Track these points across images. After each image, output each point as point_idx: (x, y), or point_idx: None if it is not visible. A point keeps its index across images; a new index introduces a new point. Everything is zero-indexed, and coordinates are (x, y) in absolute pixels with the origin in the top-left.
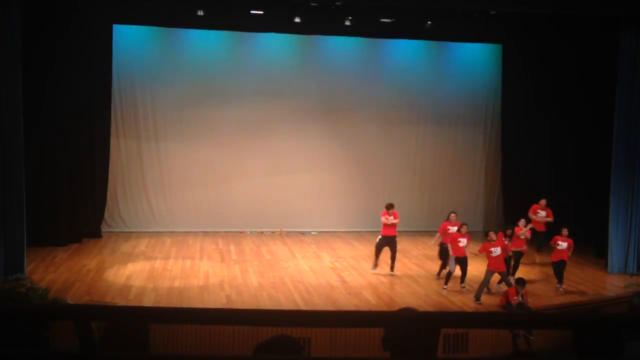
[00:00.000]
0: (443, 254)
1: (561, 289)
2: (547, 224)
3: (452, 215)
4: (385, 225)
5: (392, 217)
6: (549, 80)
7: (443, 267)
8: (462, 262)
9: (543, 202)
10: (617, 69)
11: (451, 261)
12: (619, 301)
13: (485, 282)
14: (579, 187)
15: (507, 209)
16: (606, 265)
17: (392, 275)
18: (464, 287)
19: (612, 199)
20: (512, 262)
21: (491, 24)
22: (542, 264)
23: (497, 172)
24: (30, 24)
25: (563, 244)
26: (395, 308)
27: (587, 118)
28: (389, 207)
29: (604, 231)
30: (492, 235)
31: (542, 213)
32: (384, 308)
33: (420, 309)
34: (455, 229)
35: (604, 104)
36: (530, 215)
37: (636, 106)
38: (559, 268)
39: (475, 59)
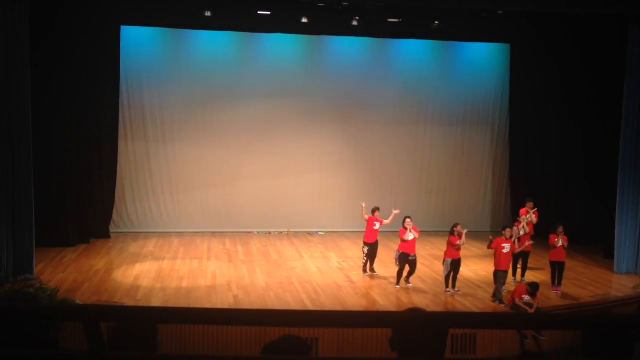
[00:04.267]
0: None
1: (559, 293)
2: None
3: (408, 220)
4: (373, 232)
5: (378, 223)
6: (556, 79)
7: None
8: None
9: (530, 204)
10: (624, 68)
11: (446, 265)
12: (628, 302)
13: (502, 283)
14: (587, 187)
15: (515, 209)
16: (614, 266)
17: (375, 274)
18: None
19: (619, 198)
20: (521, 263)
21: (499, 24)
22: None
23: (505, 171)
24: (37, 25)
25: (560, 241)
26: (403, 308)
27: (594, 117)
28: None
29: (613, 232)
30: (508, 232)
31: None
32: (392, 308)
33: (428, 310)
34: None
35: (611, 102)
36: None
37: None
38: (558, 269)
39: (483, 59)
